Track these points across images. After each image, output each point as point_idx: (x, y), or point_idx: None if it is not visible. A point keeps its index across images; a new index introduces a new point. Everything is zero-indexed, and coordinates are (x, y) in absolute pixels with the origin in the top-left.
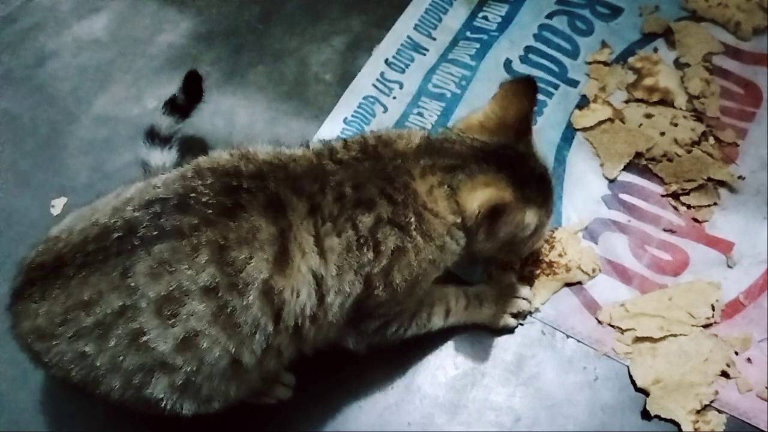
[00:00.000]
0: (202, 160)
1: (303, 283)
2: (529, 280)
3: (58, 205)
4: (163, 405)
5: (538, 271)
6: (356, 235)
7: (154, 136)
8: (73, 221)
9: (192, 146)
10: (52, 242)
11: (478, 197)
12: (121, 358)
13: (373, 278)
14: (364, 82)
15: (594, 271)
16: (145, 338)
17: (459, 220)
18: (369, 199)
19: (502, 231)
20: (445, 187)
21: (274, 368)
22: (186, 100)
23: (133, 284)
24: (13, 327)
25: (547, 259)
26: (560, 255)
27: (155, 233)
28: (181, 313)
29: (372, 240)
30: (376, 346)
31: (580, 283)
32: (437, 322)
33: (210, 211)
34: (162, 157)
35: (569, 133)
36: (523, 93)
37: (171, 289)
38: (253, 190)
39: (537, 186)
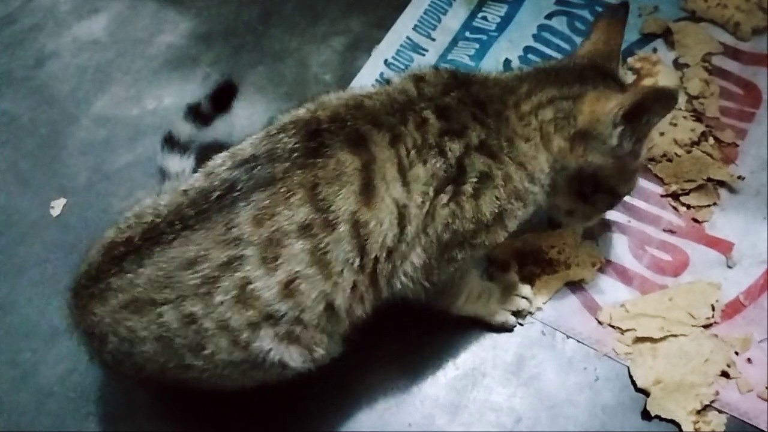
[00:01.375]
0: (281, 117)
1: (386, 214)
2: (530, 280)
3: (57, 205)
4: (271, 356)
5: (538, 271)
6: (444, 162)
7: (173, 143)
8: (154, 201)
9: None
10: (135, 219)
11: (613, 101)
12: (229, 314)
13: (464, 203)
14: (364, 83)
15: (594, 265)
16: (251, 287)
17: (557, 147)
18: (459, 125)
19: (650, 125)
20: (553, 107)
21: (359, 317)
22: (212, 109)
23: (238, 233)
24: (88, 312)
25: (547, 258)
26: (559, 252)
27: (252, 183)
28: (282, 256)
29: (458, 166)
30: (434, 306)
31: (581, 281)
32: (461, 300)
33: (297, 155)
34: (181, 163)
35: None
36: (619, 21)
37: (272, 230)
38: (333, 129)
39: None
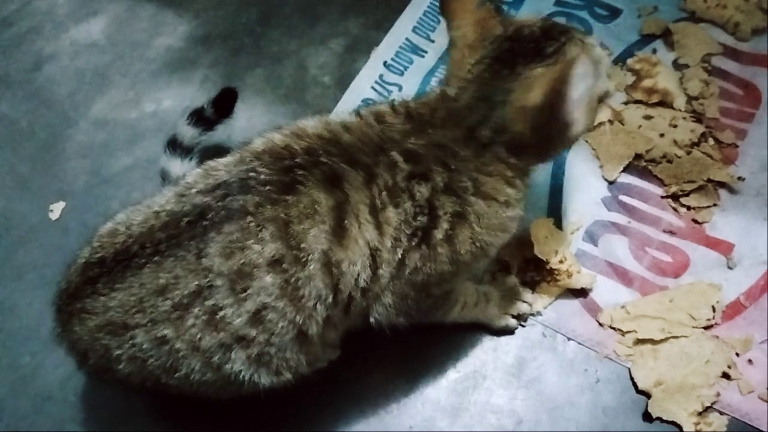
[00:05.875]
0: (256, 143)
1: (359, 255)
2: (531, 286)
3: (56, 209)
4: (242, 377)
5: (539, 278)
6: (413, 205)
7: (176, 146)
8: (127, 217)
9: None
10: (108, 238)
11: (539, 86)
12: (199, 337)
13: (437, 247)
14: (362, 85)
15: (580, 271)
16: (221, 314)
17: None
18: (424, 169)
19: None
20: (491, 123)
21: (332, 340)
22: (215, 113)
23: (208, 264)
24: (69, 329)
25: (548, 267)
26: (561, 261)
27: (223, 214)
28: (252, 287)
29: (430, 209)
30: (417, 324)
31: (582, 288)
32: (455, 311)
33: (270, 188)
34: (182, 167)
35: None
36: None
37: (242, 264)
38: (308, 165)
39: None
